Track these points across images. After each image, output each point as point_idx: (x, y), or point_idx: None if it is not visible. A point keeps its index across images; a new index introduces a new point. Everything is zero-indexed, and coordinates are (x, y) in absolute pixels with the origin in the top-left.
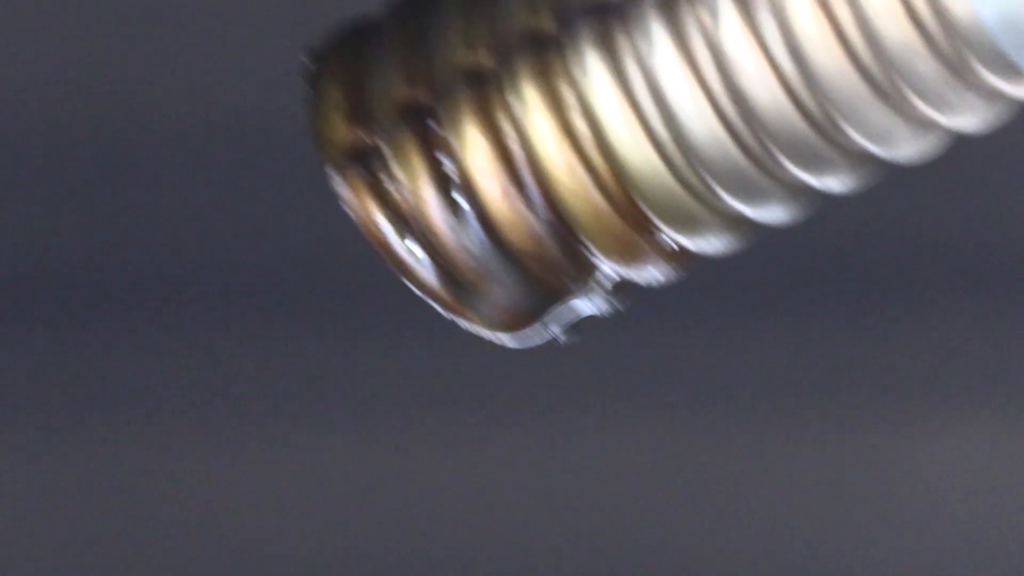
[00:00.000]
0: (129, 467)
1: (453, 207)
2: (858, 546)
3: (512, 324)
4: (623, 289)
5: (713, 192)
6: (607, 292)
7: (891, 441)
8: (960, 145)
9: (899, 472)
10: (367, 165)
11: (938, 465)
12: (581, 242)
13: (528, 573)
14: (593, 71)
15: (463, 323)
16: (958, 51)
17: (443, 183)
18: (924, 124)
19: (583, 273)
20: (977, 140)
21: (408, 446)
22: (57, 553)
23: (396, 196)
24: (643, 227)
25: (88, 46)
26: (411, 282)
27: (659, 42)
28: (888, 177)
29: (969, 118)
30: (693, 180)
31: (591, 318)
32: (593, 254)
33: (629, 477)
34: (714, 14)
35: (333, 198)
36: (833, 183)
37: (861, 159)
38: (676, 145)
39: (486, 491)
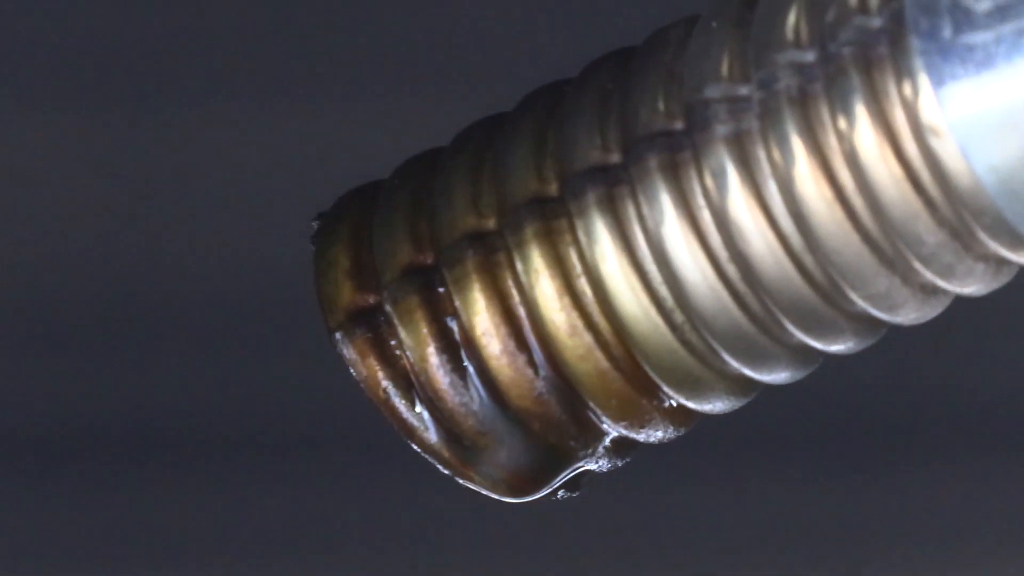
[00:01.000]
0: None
1: (458, 368)
2: None
3: (516, 487)
4: (623, 447)
5: (717, 355)
6: (608, 451)
7: None
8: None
9: None
10: (372, 326)
11: None
12: (585, 403)
13: None
14: (598, 235)
15: (466, 483)
16: (962, 220)
17: (448, 344)
18: (929, 290)
19: (587, 434)
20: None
21: None
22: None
23: (400, 357)
24: (647, 389)
25: (115, 215)
26: (414, 443)
27: (664, 207)
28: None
29: (974, 284)
30: (697, 343)
31: (590, 474)
32: (596, 415)
33: None
34: (719, 180)
35: (337, 362)
36: (837, 346)
37: (865, 323)
38: (680, 308)
39: None
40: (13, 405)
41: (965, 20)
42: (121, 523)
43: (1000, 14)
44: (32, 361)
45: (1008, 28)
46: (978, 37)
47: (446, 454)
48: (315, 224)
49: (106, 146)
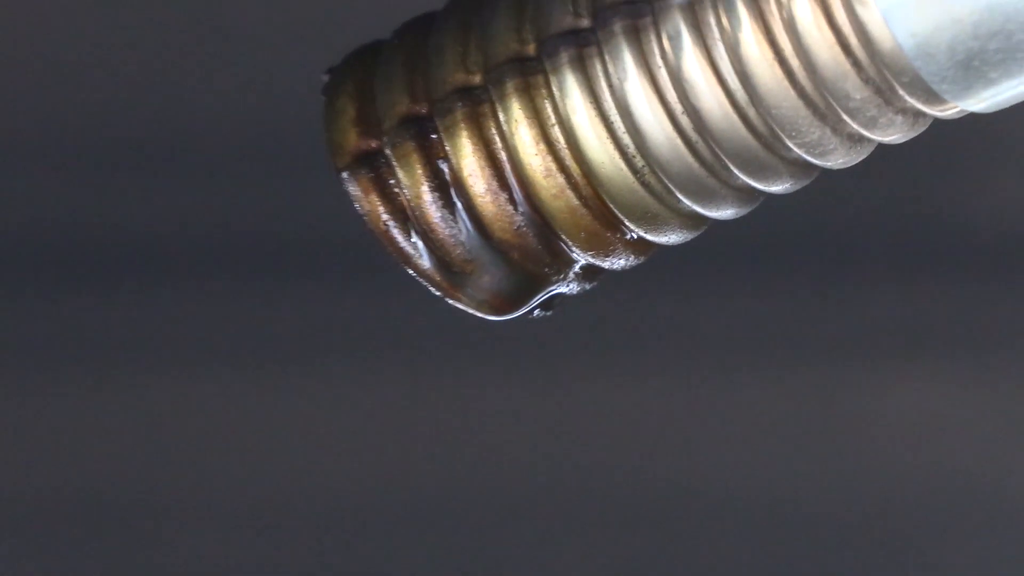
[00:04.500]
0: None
1: (448, 205)
2: (829, 470)
3: (497, 307)
4: (591, 273)
5: (671, 193)
6: (578, 276)
7: (857, 386)
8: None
9: (863, 411)
10: (374, 168)
11: (894, 406)
12: (557, 236)
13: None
14: (569, 89)
15: (455, 303)
16: (884, 78)
17: (439, 184)
18: (854, 138)
19: (559, 262)
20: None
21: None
22: None
23: (399, 195)
24: (611, 224)
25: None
26: (410, 268)
27: (627, 66)
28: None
29: (894, 133)
30: (655, 184)
31: (562, 296)
32: (567, 246)
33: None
34: (674, 43)
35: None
36: (775, 187)
37: (799, 167)
38: (640, 154)
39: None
40: (29, 220)
41: None
42: (130, 329)
43: None
44: (47, 179)
45: None
46: None
47: (437, 278)
48: (325, 78)
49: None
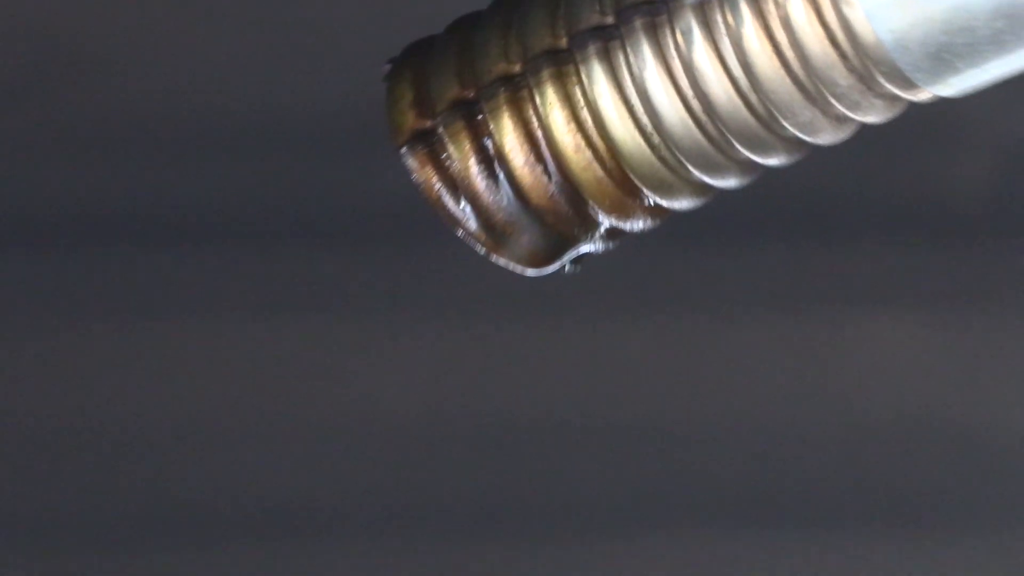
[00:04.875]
0: None
1: (492, 176)
2: (814, 404)
3: (534, 263)
4: (614, 234)
5: (683, 166)
6: (603, 237)
7: (843, 331)
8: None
9: (844, 353)
10: (429, 144)
11: (867, 348)
12: (585, 202)
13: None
14: (596, 77)
15: (497, 260)
16: (867, 68)
17: (484, 158)
18: (841, 119)
19: (587, 224)
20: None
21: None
22: None
23: (449, 167)
24: (632, 192)
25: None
26: (460, 230)
27: (646, 57)
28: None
29: (874, 115)
30: (669, 158)
31: (589, 255)
32: (594, 211)
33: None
34: (687, 38)
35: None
36: (772, 161)
37: (793, 143)
38: (657, 133)
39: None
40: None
41: None
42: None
43: None
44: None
45: None
46: None
47: (483, 238)
48: (386, 68)
49: None
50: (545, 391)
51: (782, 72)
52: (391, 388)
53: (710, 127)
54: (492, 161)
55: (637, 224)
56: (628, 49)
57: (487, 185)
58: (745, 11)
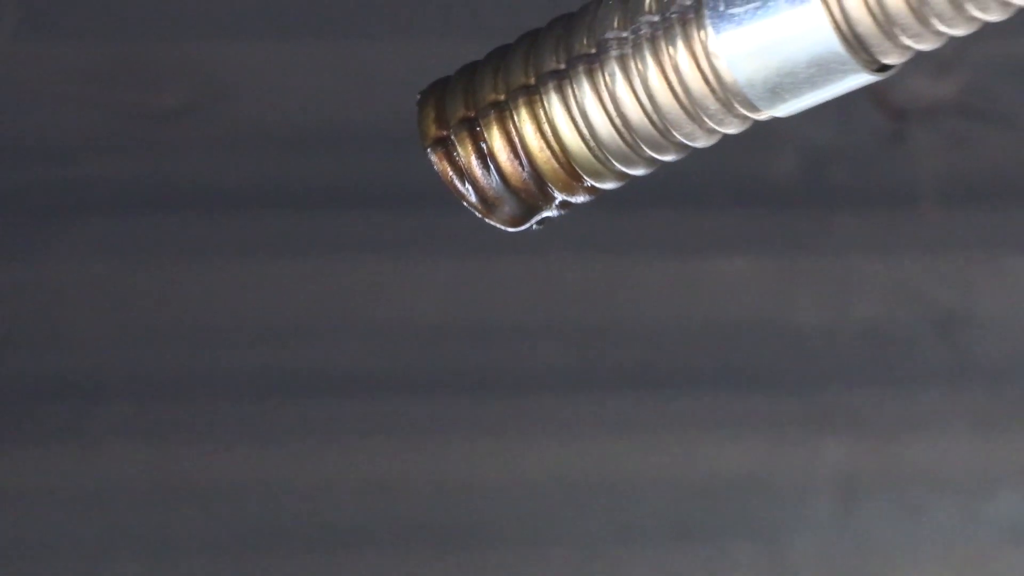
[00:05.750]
0: None
1: (486, 167)
2: (686, 311)
3: (513, 224)
4: (565, 205)
5: (610, 161)
6: (557, 207)
7: None
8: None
9: None
10: (445, 147)
11: None
12: (546, 184)
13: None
14: (554, 104)
15: (489, 221)
16: (728, 99)
17: (481, 156)
18: (711, 131)
19: (547, 199)
20: None
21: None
22: None
23: (458, 161)
24: (576, 177)
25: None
26: (464, 202)
27: (586, 91)
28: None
29: (733, 128)
30: (600, 156)
31: (548, 218)
32: (552, 190)
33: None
34: (612, 79)
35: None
36: (667, 157)
37: (680, 147)
38: (593, 139)
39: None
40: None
41: (731, 1)
42: None
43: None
44: None
45: (750, 6)
46: (737, 9)
47: (479, 208)
48: (418, 95)
49: None
50: (518, 300)
51: (673, 101)
52: (424, 299)
53: (627, 136)
54: (486, 158)
55: (579, 199)
56: (574, 86)
57: (482, 173)
58: (650, 61)
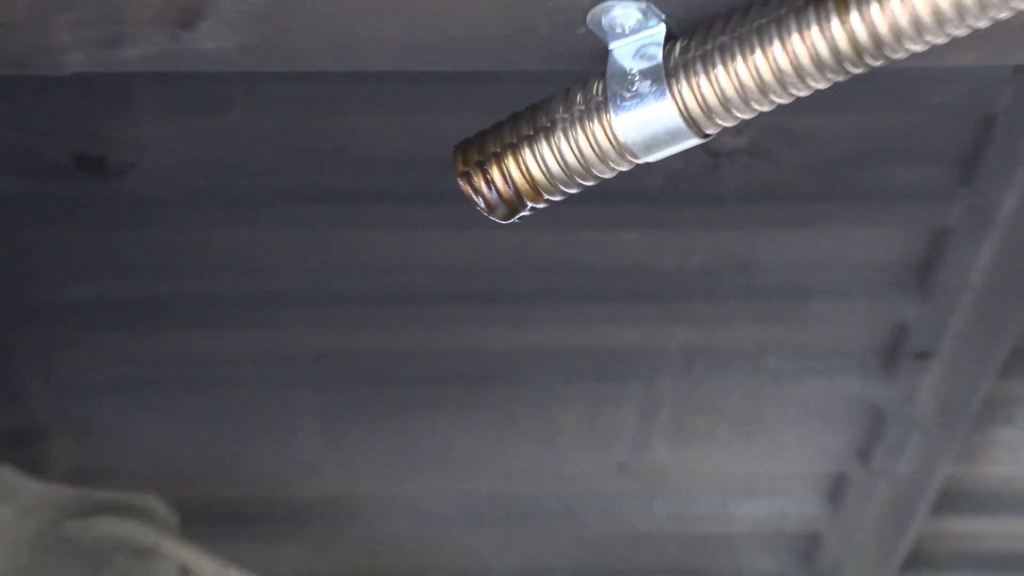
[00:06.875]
0: None
1: (490, 189)
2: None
3: (504, 219)
4: (533, 209)
5: (558, 186)
6: (531, 210)
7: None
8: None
9: None
10: (467, 177)
11: None
12: (523, 197)
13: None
14: (527, 155)
15: (491, 218)
16: (622, 154)
17: (487, 182)
18: (613, 169)
19: (523, 206)
20: None
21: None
22: None
23: (473, 184)
24: (539, 194)
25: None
26: (476, 207)
27: (544, 148)
28: None
29: (624, 168)
30: (554, 183)
31: (524, 215)
32: (525, 201)
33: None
34: (559, 143)
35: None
36: (589, 183)
37: (598, 178)
38: (550, 174)
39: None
40: None
41: (629, 93)
42: None
43: (638, 96)
44: None
45: (643, 94)
46: (627, 103)
47: (485, 210)
48: (453, 148)
49: None
50: (508, 252)
51: (592, 153)
52: (442, 249)
53: (567, 173)
54: (490, 183)
55: (540, 206)
56: (537, 145)
57: (487, 191)
58: (579, 131)
